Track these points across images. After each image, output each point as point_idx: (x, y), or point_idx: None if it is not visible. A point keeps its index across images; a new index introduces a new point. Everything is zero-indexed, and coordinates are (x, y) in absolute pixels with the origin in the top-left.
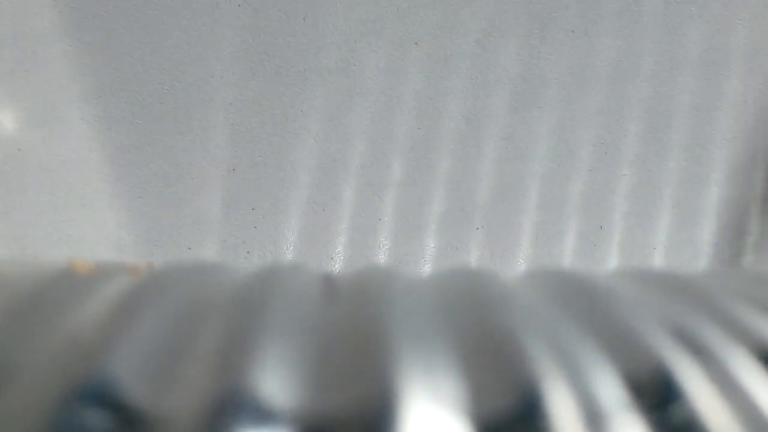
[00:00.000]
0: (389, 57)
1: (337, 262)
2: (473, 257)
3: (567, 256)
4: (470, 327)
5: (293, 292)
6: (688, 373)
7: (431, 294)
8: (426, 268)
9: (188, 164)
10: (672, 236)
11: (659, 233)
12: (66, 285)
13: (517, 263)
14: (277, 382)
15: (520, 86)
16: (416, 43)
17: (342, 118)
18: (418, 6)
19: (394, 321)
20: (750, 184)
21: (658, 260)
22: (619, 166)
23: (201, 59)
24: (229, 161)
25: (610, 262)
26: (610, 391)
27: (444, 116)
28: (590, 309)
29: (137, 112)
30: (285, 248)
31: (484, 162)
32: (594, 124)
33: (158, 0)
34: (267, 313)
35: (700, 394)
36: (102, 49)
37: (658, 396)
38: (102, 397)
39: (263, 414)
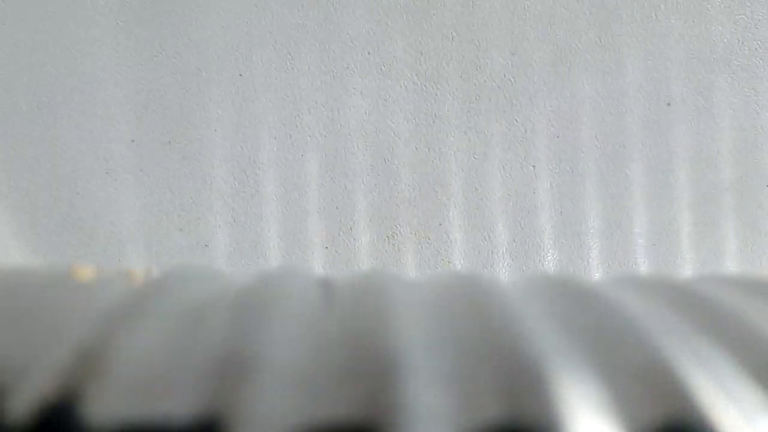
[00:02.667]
0: (288, 56)
1: (270, 262)
2: (407, 250)
3: (499, 250)
4: (468, 332)
5: (292, 297)
6: (686, 379)
7: (429, 299)
8: (361, 264)
9: (98, 179)
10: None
11: (590, 224)
12: (67, 290)
13: (450, 259)
14: (275, 388)
15: (428, 75)
16: (319, 43)
17: (250, 116)
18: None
19: (392, 326)
20: None
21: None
22: (532, 156)
23: (98, 76)
24: (140, 170)
25: (545, 258)
26: (610, 394)
27: (355, 107)
28: (586, 314)
29: (36, 131)
30: (215, 251)
31: (404, 157)
32: (503, 117)
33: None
34: (266, 318)
35: (699, 399)
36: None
37: (654, 400)
38: (102, 401)
39: (261, 419)
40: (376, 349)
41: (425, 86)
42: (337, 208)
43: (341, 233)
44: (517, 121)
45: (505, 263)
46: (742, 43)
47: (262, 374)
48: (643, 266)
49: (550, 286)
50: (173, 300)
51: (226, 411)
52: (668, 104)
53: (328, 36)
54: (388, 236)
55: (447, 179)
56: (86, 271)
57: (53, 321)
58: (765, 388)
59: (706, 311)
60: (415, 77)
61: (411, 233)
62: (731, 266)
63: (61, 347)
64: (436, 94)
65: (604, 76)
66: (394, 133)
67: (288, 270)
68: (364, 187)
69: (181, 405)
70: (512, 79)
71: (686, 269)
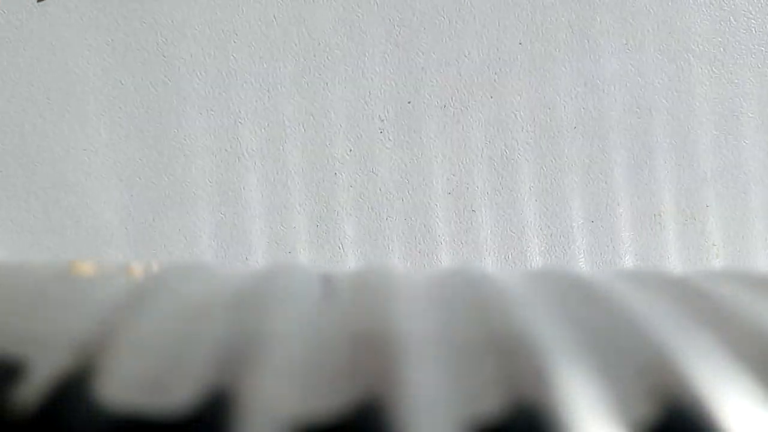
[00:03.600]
0: (269, 47)
1: (254, 260)
2: (392, 242)
3: (483, 243)
4: (469, 325)
5: (293, 293)
6: (691, 375)
7: (430, 294)
8: (345, 256)
9: (83, 178)
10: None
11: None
12: (67, 285)
13: (435, 255)
14: (276, 383)
15: (403, 73)
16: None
17: (229, 108)
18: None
19: (393, 321)
20: None
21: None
22: (517, 155)
23: (75, 92)
24: (125, 169)
25: (531, 246)
26: (615, 390)
27: (333, 99)
28: (587, 307)
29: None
30: (200, 248)
31: (385, 149)
32: (483, 110)
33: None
34: (267, 313)
35: (704, 395)
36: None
37: (655, 394)
38: (103, 396)
39: (263, 410)
40: (377, 343)
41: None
42: (602, 186)
43: (605, 209)
44: None
45: (488, 247)
46: None
47: (264, 366)
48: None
49: (550, 280)
50: (173, 295)
51: (226, 402)
52: None
53: None
54: (654, 215)
55: (705, 160)
56: (86, 267)
57: (54, 314)
58: (764, 382)
59: (706, 305)
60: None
61: (677, 213)
62: None
63: (62, 341)
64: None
65: None
66: (648, 110)
67: (289, 265)
68: (623, 166)
69: (184, 393)
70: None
71: None
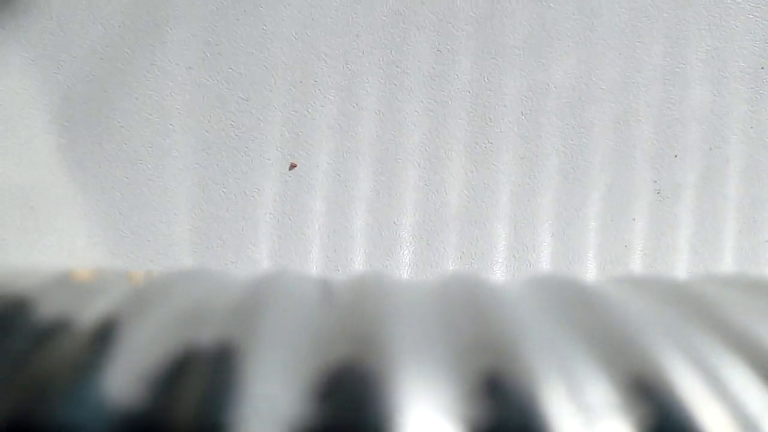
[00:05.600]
0: (348, 69)
1: (314, 270)
2: (450, 264)
3: (544, 261)
4: (467, 332)
5: (292, 298)
6: (681, 378)
7: (428, 300)
8: (404, 273)
9: (156, 185)
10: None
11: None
12: (66, 292)
13: (494, 269)
14: (274, 386)
15: (479, 95)
16: (371, 57)
17: (303, 127)
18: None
19: (391, 326)
20: None
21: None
22: (588, 176)
23: (160, 103)
24: (197, 177)
25: (589, 267)
26: (604, 393)
27: (406, 124)
28: (585, 313)
29: (107, 146)
30: (258, 260)
31: (452, 171)
32: (558, 139)
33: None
34: (265, 318)
35: (694, 398)
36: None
37: (651, 399)
38: (102, 400)
39: (257, 414)
40: (375, 349)
41: None
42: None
43: (386, 245)
44: None
45: (547, 264)
46: None
47: (261, 366)
48: None
49: (550, 287)
50: (173, 300)
51: (221, 404)
52: None
53: None
54: (432, 253)
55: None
56: (85, 273)
57: (53, 320)
58: (763, 388)
59: (700, 308)
60: None
61: (461, 247)
62: None
63: (63, 346)
64: None
65: None
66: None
67: (287, 271)
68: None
69: (178, 402)
70: None
71: None
